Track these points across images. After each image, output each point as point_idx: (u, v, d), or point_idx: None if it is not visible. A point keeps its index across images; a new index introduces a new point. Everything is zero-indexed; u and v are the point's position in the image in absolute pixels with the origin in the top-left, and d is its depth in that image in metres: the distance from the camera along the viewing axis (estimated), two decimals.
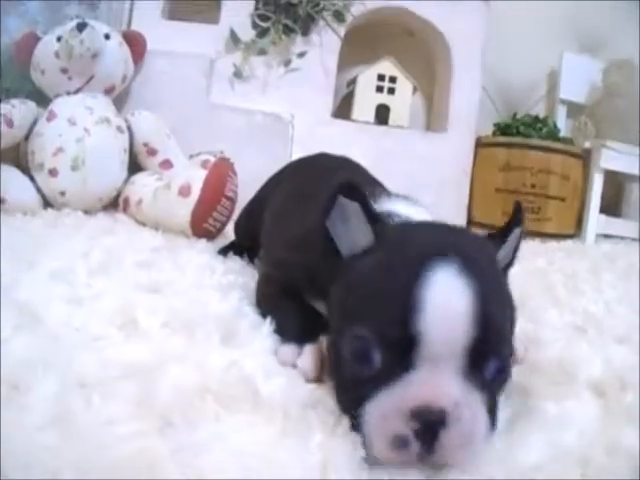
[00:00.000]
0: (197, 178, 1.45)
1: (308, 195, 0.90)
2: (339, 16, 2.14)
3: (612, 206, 2.65)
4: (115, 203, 1.76)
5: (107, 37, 1.79)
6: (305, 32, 2.14)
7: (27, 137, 1.72)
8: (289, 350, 0.64)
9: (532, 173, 2.24)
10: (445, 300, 0.49)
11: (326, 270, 0.64)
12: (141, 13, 2.16)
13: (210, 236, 1.46)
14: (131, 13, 2.19)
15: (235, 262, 1.15)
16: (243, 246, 1.26)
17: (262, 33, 2.10)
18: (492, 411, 0.52)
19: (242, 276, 1.00)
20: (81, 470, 0.40)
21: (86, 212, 1.64)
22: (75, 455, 0.42)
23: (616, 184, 2.69)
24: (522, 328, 0.80)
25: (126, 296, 0.77)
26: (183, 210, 1.43)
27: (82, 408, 0.48)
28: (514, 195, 2.24)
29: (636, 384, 0.62)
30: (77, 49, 1.69)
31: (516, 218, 0.65)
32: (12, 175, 1.61)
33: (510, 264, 0.68)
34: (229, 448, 0.45)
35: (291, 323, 0.70)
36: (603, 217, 2.37)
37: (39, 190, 1.66)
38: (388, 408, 0.48)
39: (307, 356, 0.62)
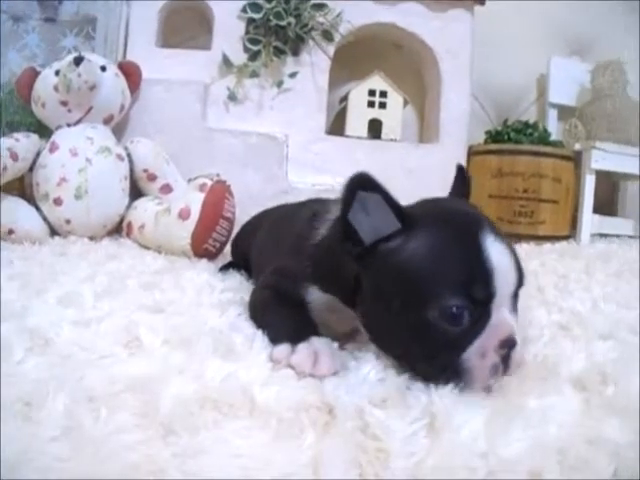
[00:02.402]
0: (195, 201, 1.49)
1: (292, 215, 1.02)
2: (328, 35, 2.19)
3: (607, 205, 2.68)
4: (119, 228, 1.80)
5: (103, 69, 1.84)
6: (295, 53, 2.19)
7: (31, 169, 1.76)
8: (283, 349, 0.68)
9: (524, 178, 2.27)
10: (504, 260, 0.63)
11: (343, 261, 0.70)
12: (136, 43, 2.22)
13: (210, 256, 1.49)
14: (126, 42, 2.24)
15: (234, 279, 1.18)
16: (240, 264, 1.31)
17: (254, 56, 2.15)
18: None
19: (240, 293, 1.02)
20: (92, 477, 0.44)
21: (91, 238, 1.69)
22: (86, 463, 0.45)
23: (610, 183, 2.71)
24: None
25: (130, 317, 0.81)
26: (183, 232, 1.47)
27: (91, 420, 0.50)
28: (507, 200, 2.29)
29: (617, 377, 0.63)
30: (75, 82, 1.73)
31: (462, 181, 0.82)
32: (19, 206, 1.65)
33: None
34: (228, 451, 0.48)
35: (284, 325, 0.74)
36: (597, 217, 2.39)
37: (45, 219, 1.70)
38: (486, 348, 0.61)
39: (300, 353, 0.66)
